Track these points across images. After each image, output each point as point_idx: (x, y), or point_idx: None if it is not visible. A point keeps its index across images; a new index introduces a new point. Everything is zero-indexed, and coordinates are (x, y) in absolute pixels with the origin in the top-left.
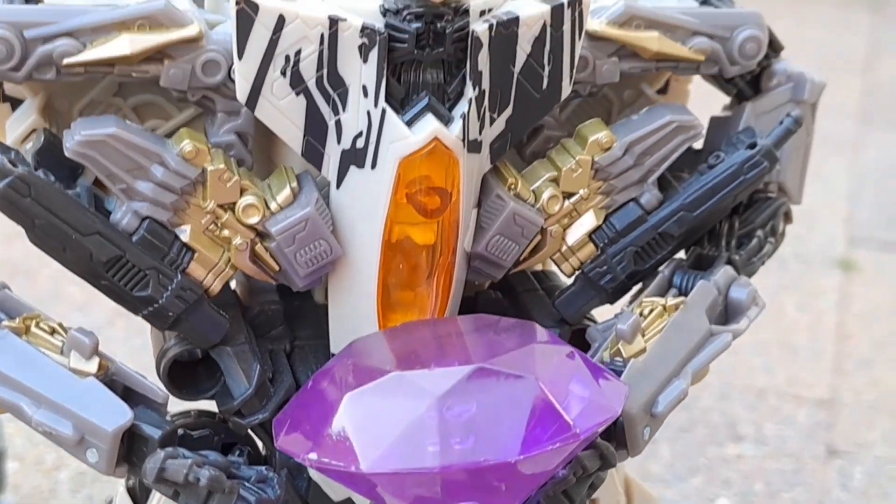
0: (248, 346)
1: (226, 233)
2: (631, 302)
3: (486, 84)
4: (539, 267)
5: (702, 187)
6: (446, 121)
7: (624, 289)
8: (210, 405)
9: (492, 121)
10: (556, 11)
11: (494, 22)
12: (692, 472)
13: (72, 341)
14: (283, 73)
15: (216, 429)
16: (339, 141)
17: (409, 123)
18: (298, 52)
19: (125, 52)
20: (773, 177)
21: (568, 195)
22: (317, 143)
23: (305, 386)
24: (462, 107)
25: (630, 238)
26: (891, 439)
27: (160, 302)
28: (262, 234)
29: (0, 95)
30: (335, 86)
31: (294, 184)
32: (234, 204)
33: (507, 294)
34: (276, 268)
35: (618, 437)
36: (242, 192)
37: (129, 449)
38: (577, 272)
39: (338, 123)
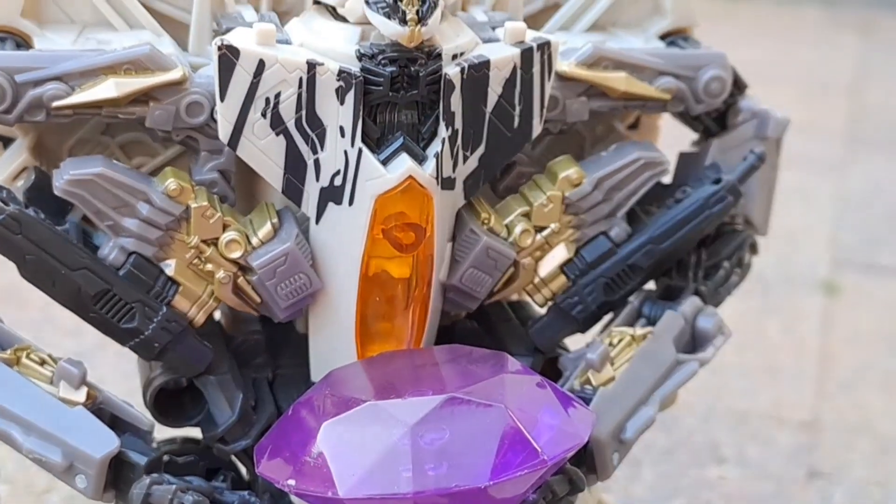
0: (232, 374)
1: (209, 267)
2: (602, 331)
3: (458, 124)
4: (515, 297)
5: (669, 221)
6: (420, 160)
7: (595, 318)
8: (195, 432)
9: (465, 159)
10: (526, 54)
11: (466, 65)
12: (675, 494)
13: (61, 372)
14: (264, 115)
15: (201, 455)
16: (317, 179)
17: (385, 162)
18: (278, 95)
19: (112, 95)
20: (739, 210)
21: (540, 229)
22: (296, 181)
23: (286, 414)
24: (436, 146)
25: (600, 270)
26: (871, 461)
27: (146, 333)
28: (244, 268)
29: None
30: (314, 126)
31: (275, 219)
32: (217, 239)
33: (482, 323)
34: (258, 300)
35: (588, 463)
36: (225, 227)
37: (117, 475)
38: (549, 303)
39: (316, 162)
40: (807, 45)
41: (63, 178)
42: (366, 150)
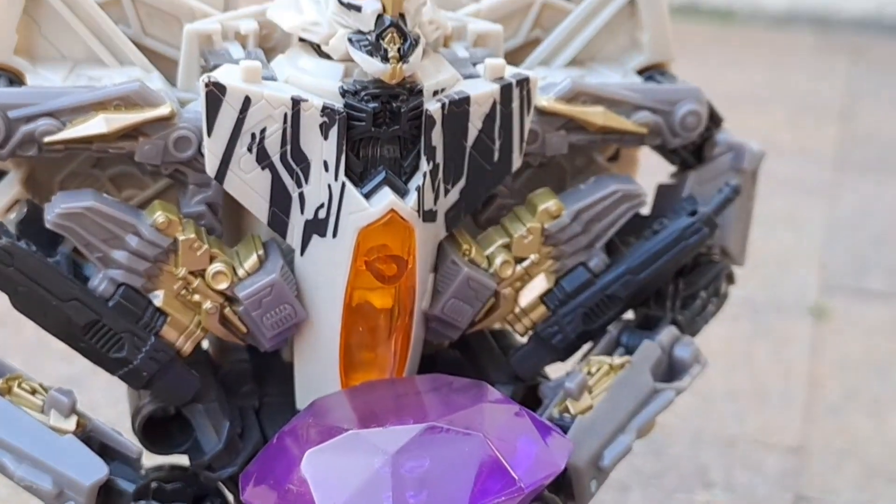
0: (219, 403)
1: (196, 297)
2: (581, 360)
3: (439, 158)
4: (497, 326)
5: (646, 252)
6: (402, 193)
7: (575, 347)
8: (183, 459)
9: (446, 192)
10: (506, 90)
11: (447, 101)
12: None
13: (51, 401)
14: (250, 150)
15: (188, 482)
16: (302, 212)
17: (368, 196)
18: (264, 130)
19: (102, 131)
20: (715, 241)
21: (520, 260)
22: (282, 214)
23: (270, 442)
24: (417, 180)
25: (579, 300)
26: (859, 486)
27: (135, 363)
28: (230, 299)
29: None
30: (298, 161)
31: (261, 251)
32: (205, 271)
33: (465, 352)
34: (244, 330)
35: (566, 490)
36: (212, 259)
37: (106, 502)
38: (530, 332)
39: (301, 195)
40: (798, 69)
41: (54, 212)
42: (349, 184)
